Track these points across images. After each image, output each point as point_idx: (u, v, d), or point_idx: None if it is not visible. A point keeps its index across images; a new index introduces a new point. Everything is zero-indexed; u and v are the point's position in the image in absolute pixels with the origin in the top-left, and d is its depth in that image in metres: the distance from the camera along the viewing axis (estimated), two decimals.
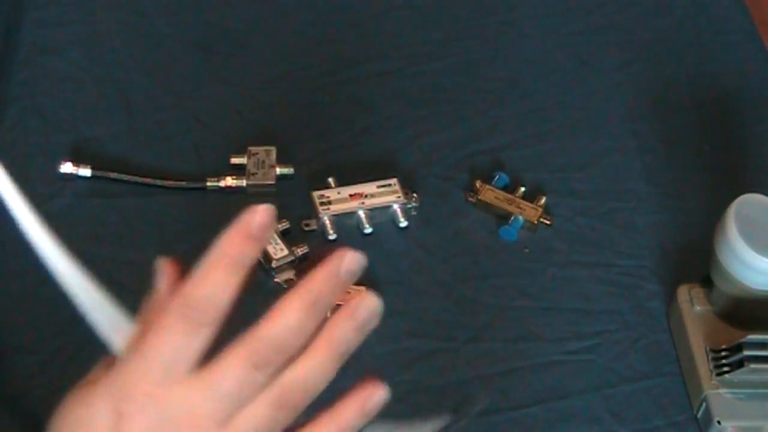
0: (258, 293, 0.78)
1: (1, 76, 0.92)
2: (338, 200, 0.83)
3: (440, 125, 0.92)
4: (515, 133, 0.92)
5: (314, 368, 0.43)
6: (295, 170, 0.86)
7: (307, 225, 0.83)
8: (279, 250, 0.79)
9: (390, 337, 0.77)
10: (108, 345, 0.45)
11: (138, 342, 0.43)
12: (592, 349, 0.77)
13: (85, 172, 0.84)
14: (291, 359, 0.43)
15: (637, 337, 0.78)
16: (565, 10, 1.04)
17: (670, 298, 0.79)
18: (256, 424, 0.42)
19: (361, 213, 0.83)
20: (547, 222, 0.84)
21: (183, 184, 0.84)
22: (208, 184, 0.84)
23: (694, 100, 0.96)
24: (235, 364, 0.42)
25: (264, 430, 0.42)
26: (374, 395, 0.45)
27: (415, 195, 0.84)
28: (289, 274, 0.79)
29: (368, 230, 0.83)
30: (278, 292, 0.78)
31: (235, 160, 0.86)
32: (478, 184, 0.86)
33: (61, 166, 0.84)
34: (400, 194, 0.84)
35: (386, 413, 0.73)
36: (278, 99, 0.93)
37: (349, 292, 0.77)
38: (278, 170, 0.85)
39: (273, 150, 0.86)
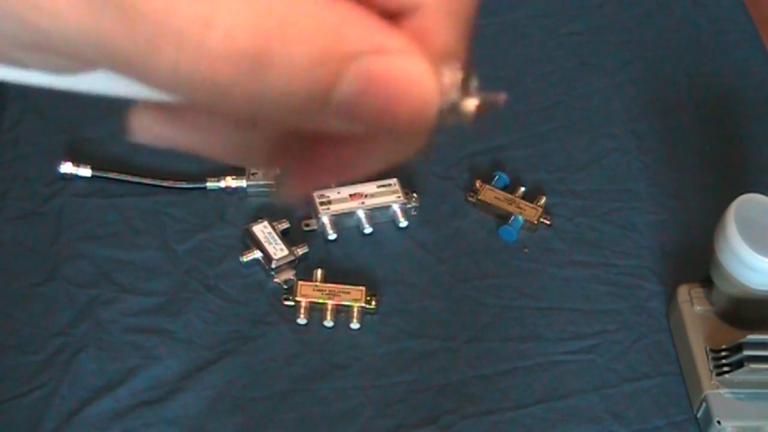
0: (258, 293, 0.79)
1: None
2: (338, 200, 0.83)
3: (440, 125, 0.92)
4: (515, 133, 0.92)
5: None
6: None
7: (307, 225, 0.83)
8: (279, 250, 0.79)
9: (390, 337, 0.77)
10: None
11: None
12: (592, 349, 0.77)
13: (85, 172, 0.84)
14: None
15: (637, 337, 0.78)
16: (565, 10, 1.04)
17: (670, 298, 0.79)
18: None
19: (361, 213, 0.83)
20: (547, 222, 0.84)
21: (183, 184, 0.84)
22: (208, 184, 0.84)
23: (694, 100, 0.96)
24: None
25: None
26: None
27: (415, 195, 0.84)
28: (289, 274, 0.79)
29: (368, 230, 0.83)
30: (278, 292, 0.78)
31: None
32: (478, 184, 0.86)
33: (61, 166, 0.84)
34: (400, 194, 0.84)
35: (386, 413, 0.73)
36: None
37: (348, 292, 0.77)
38: (278, 170, 0.85)
39: None
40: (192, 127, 0.27)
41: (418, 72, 0.25)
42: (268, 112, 0.24)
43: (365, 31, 0.25)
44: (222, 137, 0.27)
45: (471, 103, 0.27)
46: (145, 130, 0.28)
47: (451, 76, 0.27)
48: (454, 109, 0.27)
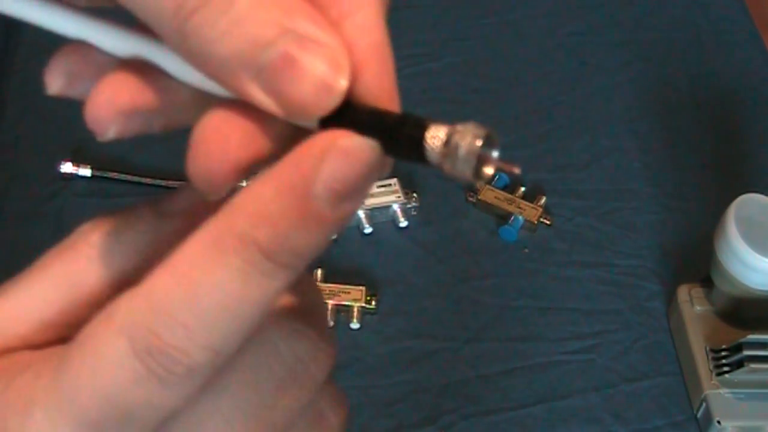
0: None
1: (1, 76, 0.92)
2: None
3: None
4: (515, 133, 0.92)
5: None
6: None
7: None
8: None
9: (390, 337, 0.77)
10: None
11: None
12: (592, 349, 0.77)
13: (85, 172, 0.84)
14: None
15: (637, 337, 0.78)
16: (565, 10, 1.04)
17: (670, 298, 0.79)
18: None
19: (361, 213, 0.83)
20: (547, 222, 0.84)
21: (183, 184, 0.84)
22: None
23: (694, 100, 0.96)
24: None
25: None
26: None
27: (415, 195, 0.84)
28: None
29: (368, 230, 0.82)
30: None
31: None
32: (478, 184, 0.86)
33: (61, 166, 0.84)
34: (400, 194, 0.84)
35: (386, 413, 0.73)
36: None
37: (348, 292, 0.77)
38: None
39: None
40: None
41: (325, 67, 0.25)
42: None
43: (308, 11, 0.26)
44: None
45: (487, 172, 0.27)
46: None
47: (469, 142, 0.27)
48: (466, 173, 0.27)
